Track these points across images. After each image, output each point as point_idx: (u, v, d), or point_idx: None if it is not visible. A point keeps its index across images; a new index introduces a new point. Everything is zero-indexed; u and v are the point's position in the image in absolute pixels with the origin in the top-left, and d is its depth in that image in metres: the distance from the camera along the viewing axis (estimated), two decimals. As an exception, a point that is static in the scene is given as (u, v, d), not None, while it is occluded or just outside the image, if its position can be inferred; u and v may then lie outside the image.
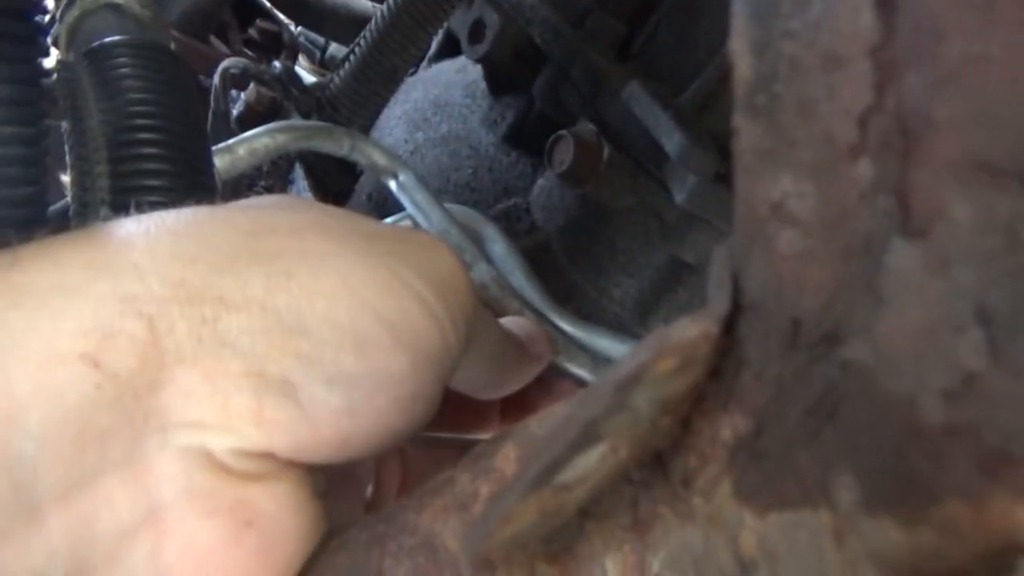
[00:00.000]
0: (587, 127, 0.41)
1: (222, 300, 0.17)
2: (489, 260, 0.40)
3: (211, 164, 0.35)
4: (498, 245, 0.41)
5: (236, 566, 0.17)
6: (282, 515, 0.18)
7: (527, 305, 0.38)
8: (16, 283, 0.16)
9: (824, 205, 0.12)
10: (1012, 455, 0.10)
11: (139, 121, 0.31)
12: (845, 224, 0.12)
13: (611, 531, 0.17)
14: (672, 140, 0.36)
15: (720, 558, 0.16)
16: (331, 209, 0.22)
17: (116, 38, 0.34)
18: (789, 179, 0.12)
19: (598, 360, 0.38)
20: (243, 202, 0.22)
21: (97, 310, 0.16)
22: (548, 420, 0.19)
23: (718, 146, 0.37)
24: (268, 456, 0.18)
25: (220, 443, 0.17)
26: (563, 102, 0.47)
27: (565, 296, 0.46)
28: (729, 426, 0.15)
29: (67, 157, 0.31)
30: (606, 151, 0.40)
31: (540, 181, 0.51)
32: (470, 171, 0.55)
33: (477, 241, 0.41)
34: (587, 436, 0.14)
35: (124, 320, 0.16)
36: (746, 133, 0.13)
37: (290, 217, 0.20)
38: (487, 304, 0.38)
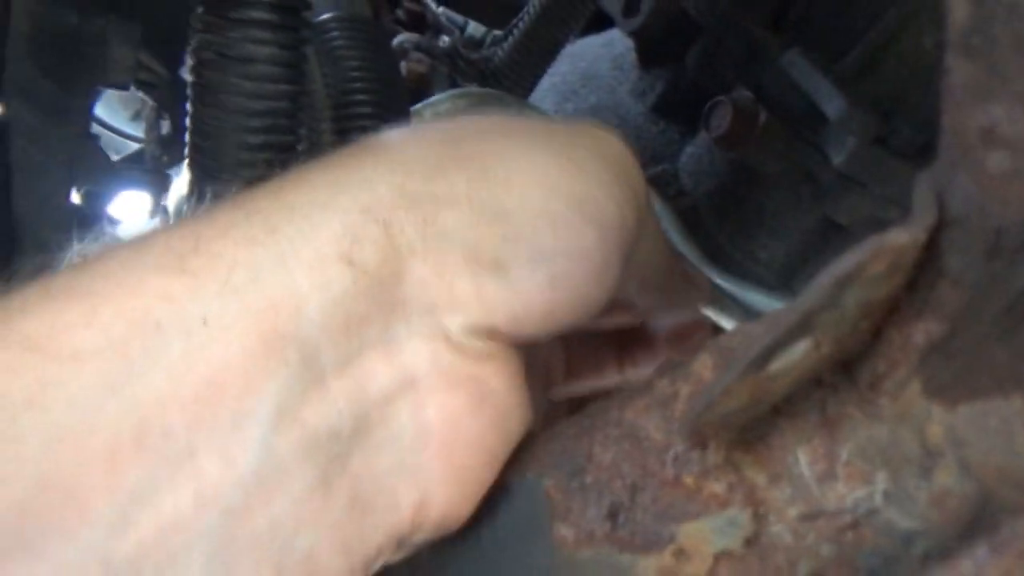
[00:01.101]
0: (744, 94, 0.43)
1: (436, 200, 0.21)
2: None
3: (409, 122, 0.39)
4: (652, 202, 0.44)
5: (479, 432, 0.21)
6: (507, 393, 0.21)
7: (681, 256, 0.40)
8: (285, 202, 0.20)
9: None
10: None
11: (356, 85, 0.36)
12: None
13: (802, 426, 0.20)
14: (833, 104, 0.38)
15: (907, 447, 0.18)
16: (506, 116, 0.25)
17: (331, 14, 0.39)
18: (1000, 108, 0.15)
19: (750, 314, 0.40)
20: (436, 122, 0.26)
21: (344, 220, 0.20)
22: (738, 336, 0.22)
23: (878, 110, 0.38)
24: (492, 333, 0.21)
25: (452, 322, 0.20)
26: (717, 71, 0.49)
27: (712, 258, 0.48)
28: (922, 331, 0.18)
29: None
30: (762, 116, 0.41)
31: (689, 148, 0.53)
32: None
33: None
34: (803, 325, 0.16)
35: (365, 226, 0.20)
36: (959, 71, 0.15)
37: (477, 125, 0.24)
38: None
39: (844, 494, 0.19)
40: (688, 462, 0.21)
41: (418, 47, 0.55)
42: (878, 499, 0.18)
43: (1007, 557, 0.12)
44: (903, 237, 0.16)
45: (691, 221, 0.50)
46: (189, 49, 0.30)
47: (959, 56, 0.15)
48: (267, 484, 0.17)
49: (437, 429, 0.20)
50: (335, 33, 0.37)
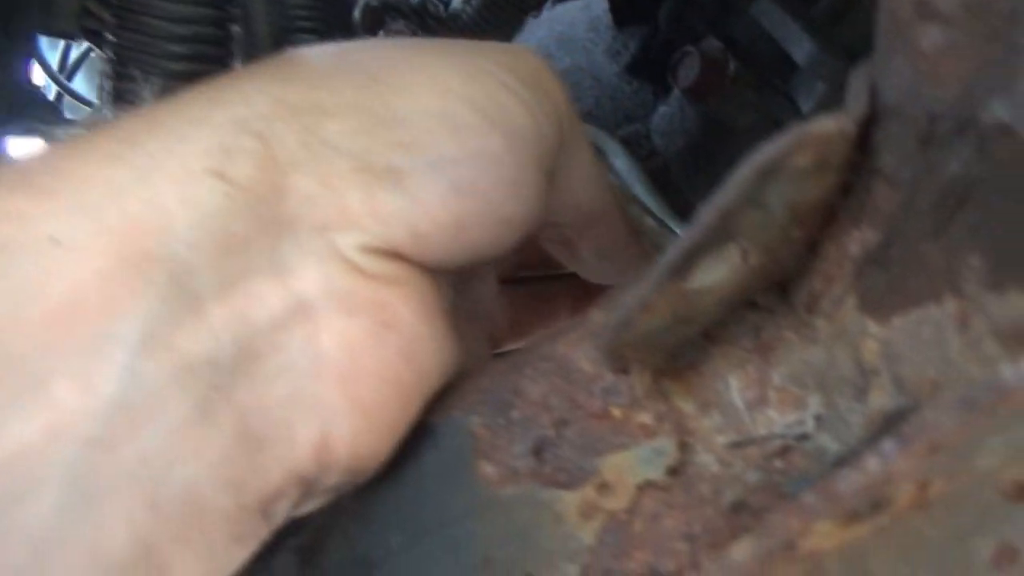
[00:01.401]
0: (712, 43, 0.41)
1: (319, 108, 0.19)
2: (613, 173, 0.41)
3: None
4: (620, 159, 0.42)
5: (384, 362, 0.19)
6: (417, 323, 0.20)
7: (648, 213, 0.39)
8: (155, 120, 0.18)
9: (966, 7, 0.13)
10: None
11: (302, 36, 0.34)
12: (988, 7, 0.12)
13: (734, 352, 0.19)
14: (803, 49, 0.36)
15: (841, 369, 0.17)
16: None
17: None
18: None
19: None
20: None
21: (215, 132, 0.18)
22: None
23: (849, 56, 0.37)
24: (392, 253, 0.19)
25: (346, 241, 0.19)
26: (689, 25, 0.47)
27: (682, 216, 0.47)
28: (858, 241, 0.16)
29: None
30: (732, 66, 0.40)
31: (661, 107, 0.51)
32: (592, 100, 0.56)
33: (600, 156, 0.42)
34: (722, 225, 0.15)
35: (239, 138, 0.18)
36: (892, -59, 0.14)
37: (380, 42, 0.22)
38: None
39: (775, 420, 0.17)
40: (617, 393, 0.19)
41: (385, 4, 0.54)
42: (810, 424, 0.17)
43: (915, 448, 0.11)
44: (829, 125, 0.14)
45: (662, 180, 0.49)
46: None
47: (892, -76, 0.14)
48: (135, 414, 0.16)
49: (334, 358, 0.18)
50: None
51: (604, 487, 0.19)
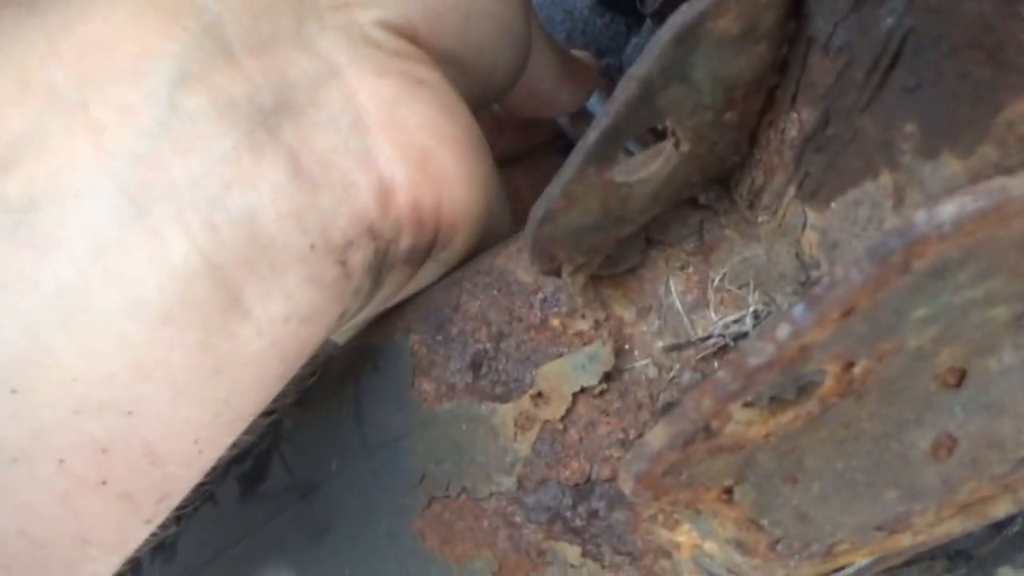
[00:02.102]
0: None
1: None
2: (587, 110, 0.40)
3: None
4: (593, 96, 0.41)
5: (423, 114, 0.20)
6: (446, 88, 0.20)
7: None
8: None
9: None
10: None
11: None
12: None
13: (675, 255, 0.18)
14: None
15: (782, 264, 0.16)
16: None
17: None
18: None
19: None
20: None
21: None
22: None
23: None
24: (411, 33, 0.20)
25: (366, 16, 0.20)
26: (659, -51, 0.45)
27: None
28: (796, 123, 0.15)
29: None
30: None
31: (634, 39, 0.50)
32: (563, 34, 0.54)
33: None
34: (644, 102, 0.14)
35: None
36: None
37: None
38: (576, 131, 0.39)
39: (714, 321, 0.17)
40: (555, 303, 0.19)
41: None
42: (748, 322, 0.16)
43: (825, 310, 0.10)
44: (754, -13, 0.13)
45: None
46: None
47: None
48: (179, 139, 0.16)
49: (375, 112, 0.19)
50: None
51: (539, 397, 0.18)
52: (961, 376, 0.13)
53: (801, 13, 0.14)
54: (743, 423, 0.12)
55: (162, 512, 0.17)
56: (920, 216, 0.09)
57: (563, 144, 0.39)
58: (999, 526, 0.41)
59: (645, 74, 0.13)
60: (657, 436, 0.12)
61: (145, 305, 0.15)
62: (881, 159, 0.13)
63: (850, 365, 0.12)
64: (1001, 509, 0.15)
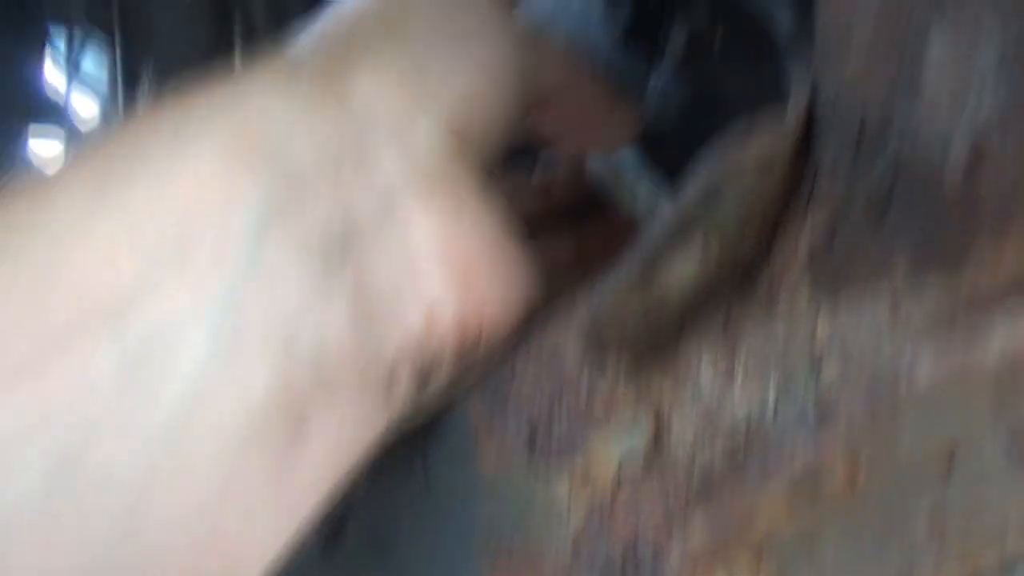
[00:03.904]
0: (699, 12, 0.42)
1: (348, 32, 0.23)
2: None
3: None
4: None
5: (463, 235, 0.21)
6: (481, 200, 0.22)
7: (640, 176, 0.40)
8: (212, 80, 0.21)
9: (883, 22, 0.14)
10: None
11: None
12: (897, 34, 0.14)
13: (705, 333, 0.20)
14: (783, 23, 0.37)
15: (799, 347, 0.19)
16: None
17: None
18: (856, 10, 0.14)
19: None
20: None
21: (275, 64, 0.21)
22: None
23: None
24: (450, 126, 0.22)
25: (417, 124, 0.22)
26: (677, -7, 0.47)
27: (677, 186, 0.48)
28: (808, 228, 0.18)
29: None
30: (719, 31, 0.40)
31: (654, 77, 0.52)
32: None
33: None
34: (685, 224, 0.16)
35: (295, 65, 0.21)
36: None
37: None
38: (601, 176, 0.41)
39: (741, 395, 0.19)
40: (602, 376, 0.21)
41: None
42: (771, 398, 0.19)
43: (835, 435, 0.12)
44: (772, 133, 0.16)
45: (657, 149, 0.50)
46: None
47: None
48: (263, 281, 0.18)
49: (425, 239, 0.21)
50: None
51: (590, 461, 0.20)
52: (954, 463, 0.16)
53: (810, 142, 0.17)
54: (763, 505, 0.15)
55: None
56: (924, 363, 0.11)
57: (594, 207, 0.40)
58: None
59: (686, 205, 0.16)
60: (696, 530, 0.14)
61: (232, 433, 0.18)
62: (881, 274, 0.16)
63: (855, 472, 0.14)
64: (991, 560, 0.17)
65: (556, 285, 0.31)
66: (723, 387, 0.19)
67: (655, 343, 0.20)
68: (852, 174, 0.16)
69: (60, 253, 0.18)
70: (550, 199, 0.36)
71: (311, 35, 0.23)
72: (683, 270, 0.18)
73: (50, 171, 0.20)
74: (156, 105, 0.21)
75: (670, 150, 0.49)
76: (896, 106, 0.14)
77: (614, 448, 0.20)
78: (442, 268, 0.21)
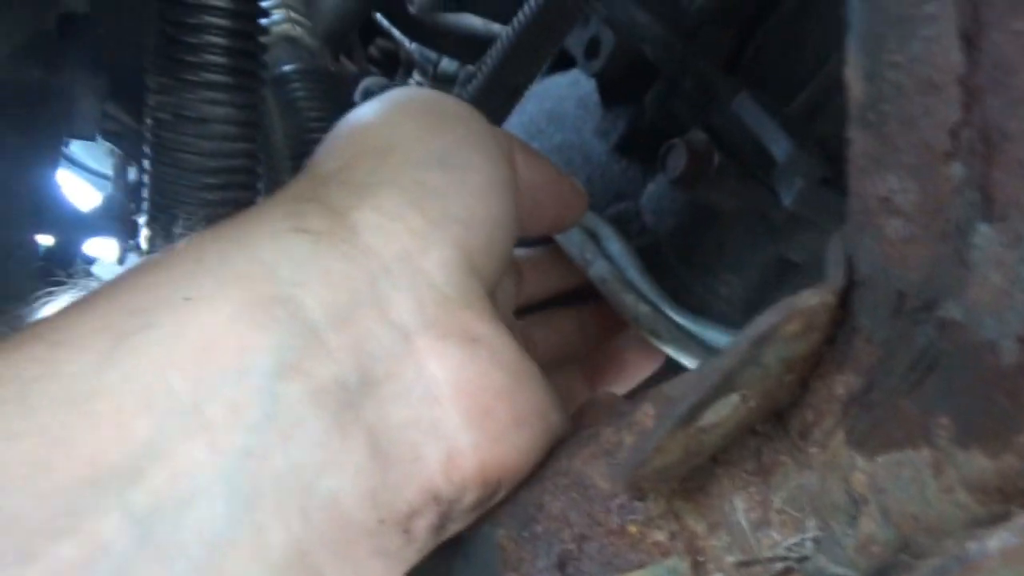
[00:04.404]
0: (698, 135, 0.44)
1: (344, 169, 0.23)
2: (607, 257, 0.43)
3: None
4: (614, 244, 0.45)
5: (482, 374, 0.22)
6: (497, 331, 0.23)
7: (642, 298, 0.41)
8: (226, 222, 0.22)
9: (923, 199, 0.15)
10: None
11: (314, 136, 0.37)
12: (940, 213, 0.15)
13: (738, 475, 0.21)
14: (780, 146, 0.39)
15: (834, 495, 0.19)
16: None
17: (292, 66, 0.40)
18: (895, 178, 0.16)
19: (709, 351, 0.41)
20: None
21: (283, 203, 0.22)
22: (680, 384, 0.23)
23: (824, 152, 0.40)
24: (464, 262, 0.23)
25: (428, 259, 0.22)
26: (673, 113, 0.50)
27: (674, 294, 0.49)
28: (843, 384, 0.19)
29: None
30: (716, 158, 0.43)
31: (650, 186, 0.54)
32: (584, 178, 0.59)
33: (595, 240, 0.45)
34: (725, 383, 0.17)
35: (300, 204, 0.22)
36: (858, 142, 0.16)
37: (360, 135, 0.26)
38: (605, 295, 0.42)
39: (778, 541, 0.19)
40: (632, 511, 0.21)
41: (384, 88, 0.56)
42: (809, 546, 0.19)
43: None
44: (814, 299, 0.17)
45: (653, 258, 0.51)
46: (145, 109, 0.31)
47: (858, 128, 0.16)
48: (280, 429, 0.18)
49: (442, 380, 0.21)
50: (295, 85, 0.38)
51: (624, 605, 0.20)
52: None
53: (848, 306, 0.18)
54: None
55: None
56: (972, 547, 0.12)
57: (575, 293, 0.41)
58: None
59: (728, 368, 0.17)
60: None
61: None
62: (920, 436, 0.16)
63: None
64: None
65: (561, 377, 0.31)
66: (758, 532, 0.20)
67: (687, 479, 0.21)
68: (890, 341, 0.17)
69: (70, 417, 0.17)
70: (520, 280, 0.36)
71: (311, 169, 0.24)
72: (719, 418, 0.19)
73: (58, 316, 0.19)
74: (168, 254, 0.21)
75: (669, 258, 0.51)
76: (942, 283, 0.15)
77: (650, 588, 0.20)
78: (460, 410, 0.21)
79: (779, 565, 0.19)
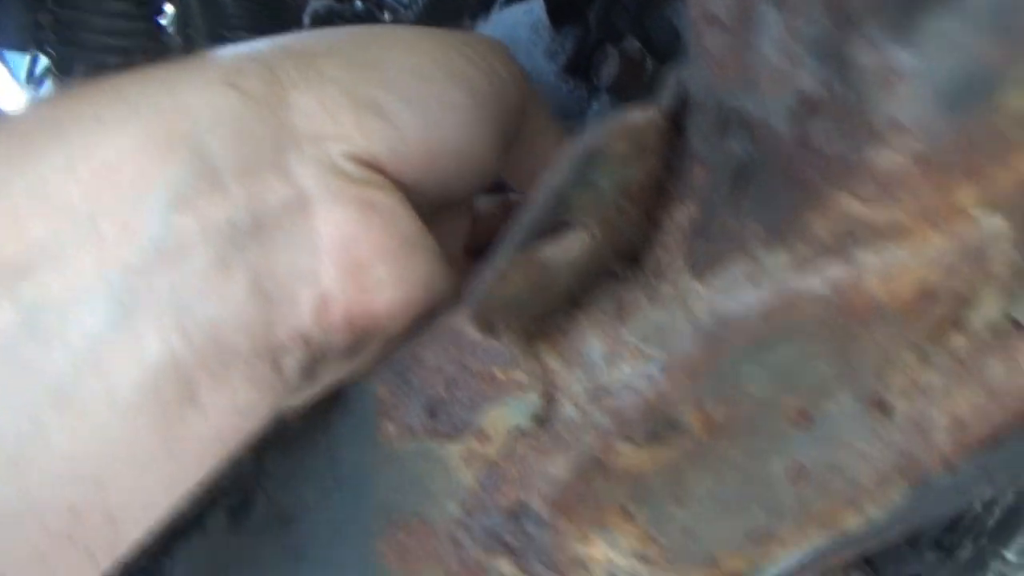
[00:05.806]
0: (632, 44, 0.44)
1: (312, 51, 0.24)
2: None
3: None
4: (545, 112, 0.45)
5: (367, 234, 0.22)
6: (396, 205, 0.23)
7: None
8: (179, 62, 0.23)
9: (736, 3, 0.16)
10: (847, 160, 0.13)
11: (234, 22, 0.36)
12: (748, 15, 0.15)
13: (596, 315, 0.21)
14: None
15: (680, 326, 0.20)
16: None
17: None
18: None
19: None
20: None
21: (228, 60, 0.23)
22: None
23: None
24: (375, 164, 0.23)
25: (336, 149, 0.22)
26: (614, 25, 0.50)
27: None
28: (684, 214, 0.19)
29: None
30: (649, 64, 0.43)
31: (594, 104, 0.54)
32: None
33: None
34: (558, 203, 0.18)
35: (250, 63, 0.22)
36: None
37: (359, 26, 0.27)
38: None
39: (626, 372, 0.20)
40: (498, 356, 0.22)
41: (331, 11, 0.56)
42: (656, 374, 0.20)
43: (672, 373, 0.13)
44: (638, 116, 0.17)
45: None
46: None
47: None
48: (167, 254, 0.19)
49: (327, 235, 0.22)
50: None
51: (482, 436, 0.21)
52: (809, 416, 0.17)
53: (683, 132, 0.18)
54: (629, 457, 0.16)
55: (109, 563, 0.20)
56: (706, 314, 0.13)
57: None
58: (949, 550, 0.44)
59: (555, 186, 0.17)
60: (557, 466, 0.15)
61: (121, 395, 0.19)
62: (740, 248, 0.17)
63: (708, 412, 0.15)
64: (852, 523, 0.18)
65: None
66: (610, 366, 0.21)
67: (547, 323, 0.21)
68: (717, 156, 0.17)
69: None
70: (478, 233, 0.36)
71: (274, 45, 0.24)
72: (568, 251, 0.19)
73: None
74: (86, 85, 0.22)
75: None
76: (747, 87, 0.15)
77: (506, 420, 0.21)
78: (337, 262, 0.22)
79: (624, 392, 0.20)
